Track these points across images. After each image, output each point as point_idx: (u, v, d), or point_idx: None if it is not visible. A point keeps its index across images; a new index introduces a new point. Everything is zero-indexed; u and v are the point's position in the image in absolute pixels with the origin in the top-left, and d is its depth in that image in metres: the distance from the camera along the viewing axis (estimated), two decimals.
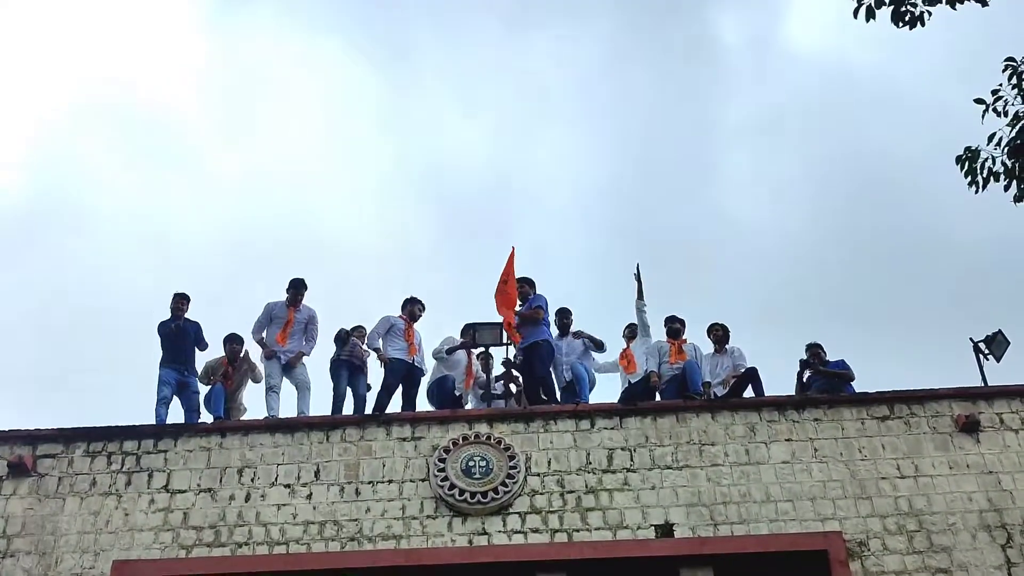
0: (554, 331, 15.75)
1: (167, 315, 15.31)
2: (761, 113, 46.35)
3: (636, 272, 16.09)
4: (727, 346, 15.63)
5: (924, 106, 44.18)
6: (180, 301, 15.34)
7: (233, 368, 15.14)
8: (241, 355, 15.22)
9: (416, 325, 15.53)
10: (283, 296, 15.46)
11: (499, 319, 15.07)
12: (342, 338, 15.41)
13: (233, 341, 15.28)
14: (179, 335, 15.00)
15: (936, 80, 44.59)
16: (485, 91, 46.82)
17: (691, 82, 47.87)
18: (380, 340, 15.17)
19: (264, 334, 15.13)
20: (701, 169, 46.50)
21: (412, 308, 15.65)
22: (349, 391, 15.04)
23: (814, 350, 14.88)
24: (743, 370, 14.93)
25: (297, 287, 15.52)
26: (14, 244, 40.35)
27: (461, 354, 15.64)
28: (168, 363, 14.81)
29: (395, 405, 14.52)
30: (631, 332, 16.16)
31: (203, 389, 14.97)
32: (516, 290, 15.45)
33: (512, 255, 15.71)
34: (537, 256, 41.13)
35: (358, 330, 15.72)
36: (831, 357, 14.79)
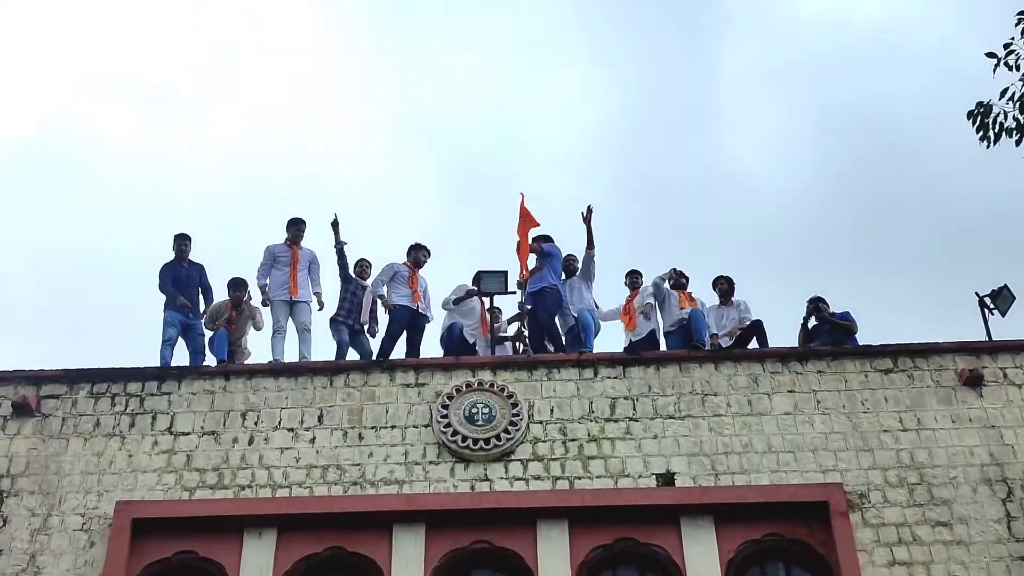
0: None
1: (170, 257, 15.30)
2: (766, 62, 45.99)
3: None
4: (732, 299, 15.60)
5: (930, 59, 43.89)
6: (183, 243, 15.30)
7: (237, 313, 15.13)
8: (244, 300, 15.19)
9: (421, 271, 15.45)
10: (282, 238, 15.42)
11: (504, 268, 15.13)
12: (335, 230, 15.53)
13: (237, 287, 15.24)
14: (184, 279, 14.98)
15: (943, 32, 44.23)
16: (487, 29, 46.36)
17: (696, 26, 47.50)
18: (384, 287, 15.14)
19: (268, 280, 15.09)
20: (704, 116, 46.22)
21: (417, 255, 15.57)
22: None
23: (816, 303, 14.85)
24: (748, 322, 14.92)
25: (297, 225, 15.50)
26: (17, 184, 40.31)
27: (475, 302, 15.57)
28: (172, 305, 14.80)
29: (399, 352, 14.52)
30: (632, 283, 15.93)
31: (207, 333, 14.97)
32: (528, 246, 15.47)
33: (523, 206, 15.67)
34: (537, 199, 41.00)
35: (362, 263, 15.69)
36: (835, 309, 14.78)
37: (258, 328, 15.28)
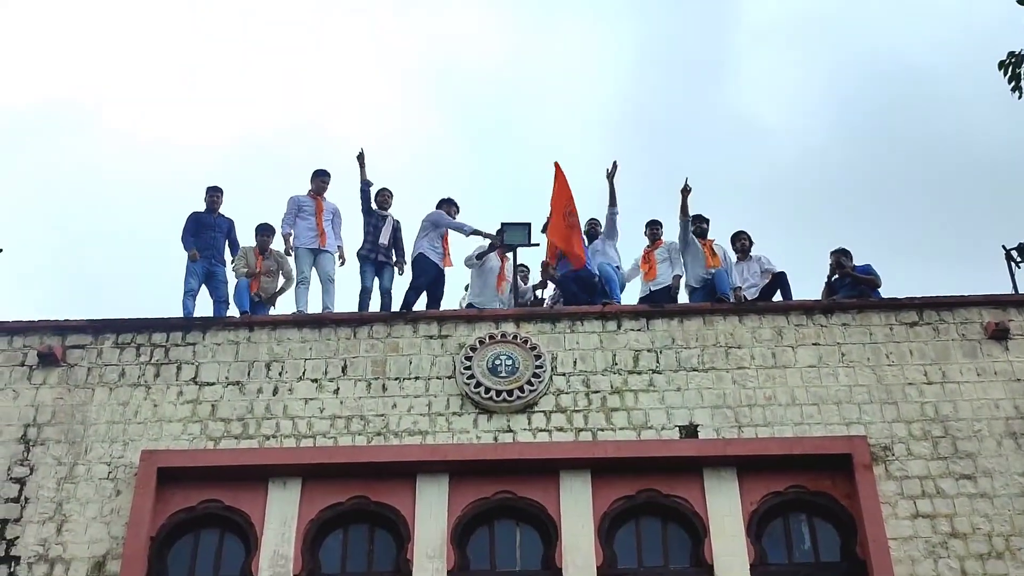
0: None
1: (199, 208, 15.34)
2: (783, 13, 45.48)
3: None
4: (751, 254, 15.51)
5: (948, 6, 43.19)
6: (215, 194, 15.32)
7: (262, 258, 15.16)
8: (271, 246, 15.22)
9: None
10: (304, 190, 15.45)
11: (526, 220, 15.10)
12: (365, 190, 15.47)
13: (264, 232, 15.32)
14: (209, 225, 15.01)
15: None
16: None
17: None
18: (424, 241, 15.19)
19: (293, 229, 15.10)
20: (720, 68, 45.80)
21: (448, 209, 15.57)
22: (376, 285, 15.05)
23: (838, 256, 14.77)
24: (772, 274, 14.87)
25: (321, 176, 15.53)
26: (32, 142, 40.38)
27: (494, 260, 15.54)
28: (197, 250, 14.82)
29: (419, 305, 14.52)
30: (653, 235, 15.84)
31: (231, 279, 15.02)
32: (579, 228, 15.34)
33: (560, 174, 15.54)
34: (552, 154, 40.91)
35: (384, 192, 15.67)
36: (857, 261, 14.69)
37: (288, 277, 15.29)
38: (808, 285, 15.16)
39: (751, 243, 15.58)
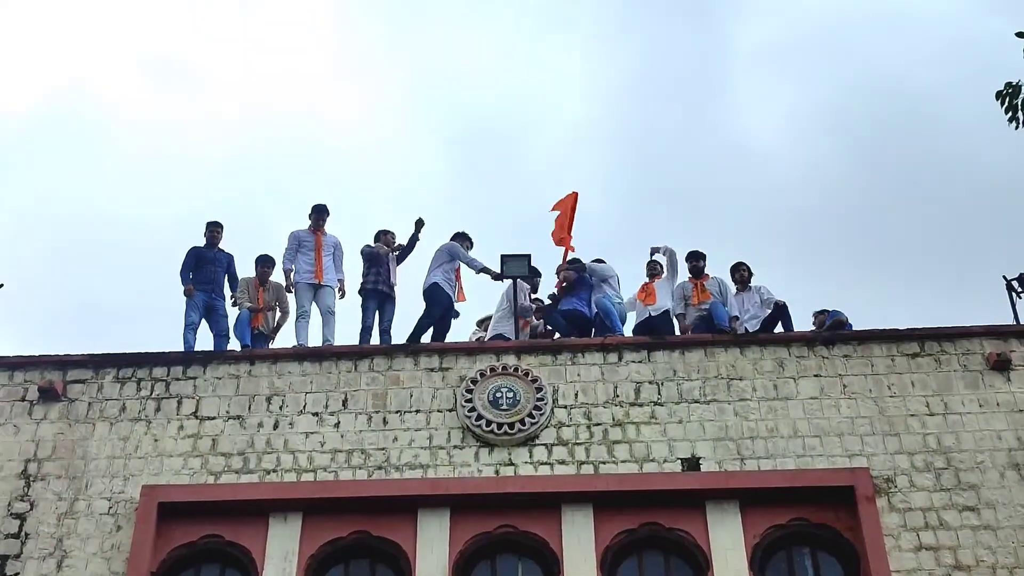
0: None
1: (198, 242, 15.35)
2: (777, 37, 45.39)
3: (659, 254, 15.83)
4: (751, 284, 15.50)
5: (943, 30, 43.13)
6: (215, 229, 15.33)
7: (263, 289, 15.16)
8: (271, 278, 15.22)
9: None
10: (304, 224, 15.49)
11: (527, 252, 15.27)
12: (372, 254, 15.39)
13: (264, 264, 15.34)
14: (209, 259, 15.02)
15: (955, 6, 43.65)
16: (497, 1, 46.06)
17: (702, 6, 47.06)
18: (439, 272, 15.23)
19: (294, 264, 15.12)
20: (715, 91, 45.70)
21: (460, 243, 15.64)
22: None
23: (819, 317, 14.90)
24: (772, 304, 14.87)
25: (319, 212, 15.53)
26: (29, 161, 40.42)
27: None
28: (196, 286, 14.82)
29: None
30: (652, 271, 15.91)
31: (231, 313, 15.02)
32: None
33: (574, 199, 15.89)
34: (547, 179, 40.89)
35: (387, 235, 15.68)
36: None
37: (284, 311, 15.31)
38: (807, 312, 15.14)
39: (750, 274, 15.57)
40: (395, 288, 15.39)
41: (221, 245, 15.43)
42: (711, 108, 45.39)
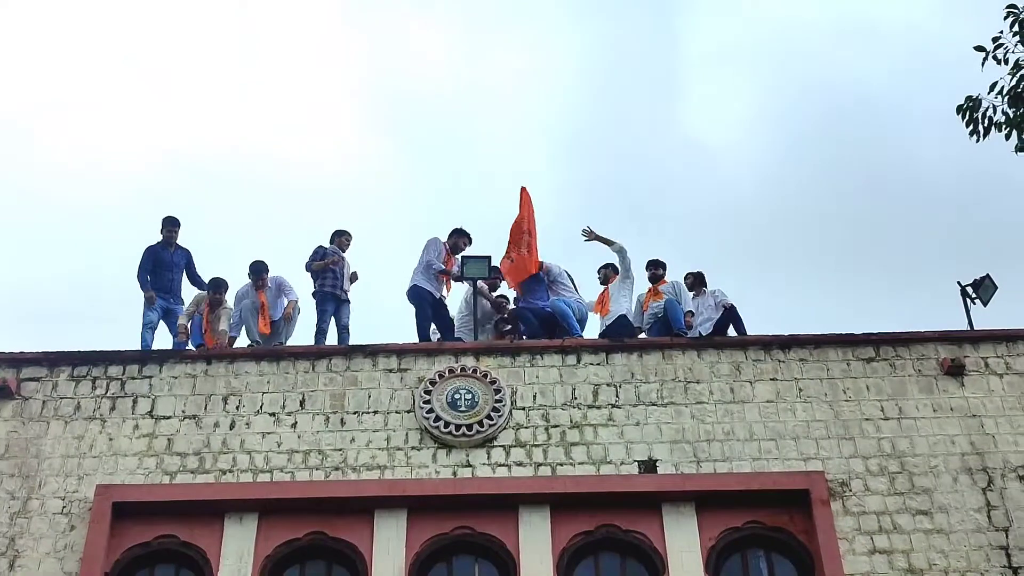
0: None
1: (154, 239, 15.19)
2: (731, 39, 45.52)
3: (587, 233, 15.72)
4: (704, 288, 15.60)
5: (901, 36, 43.34)
6: (172, 228, 15.18)
7: (211, 311, 14.85)
8: (222, 305, 14.86)
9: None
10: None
11: (487, 254, 15.19)
12: (318, 265, 15.33)
13: (216, 290, 14.92)
14: (167, 263, 14.86)
15: (912, 13, 43.92)
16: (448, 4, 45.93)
17: (658, 4, 47.07)
18: (420, 273, 15.24)
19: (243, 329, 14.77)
20: (668, 93, 45.79)
21: (457, 240, 15.64)
22: (333, 323, 15.02)
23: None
24: (725, 307, 14.98)
25: (257, 272, 15.01)
26: None
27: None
28: (154, 289, 14.71)
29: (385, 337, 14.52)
30: (605, 276, 15.93)
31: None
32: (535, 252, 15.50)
33: (526, 198, 15.75)
34: (497, 175, 40.89)
35: (342, 236, 15.67)
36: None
37: (224, 336, 14.74)
38: (761, 314, 15.24)
39: (700, 279, 15.70)
40: (348, 292, 15.41)
41: (179, 241, 15.26)
42: (665, 104, 45.46)
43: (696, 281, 15.75)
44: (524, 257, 15.36)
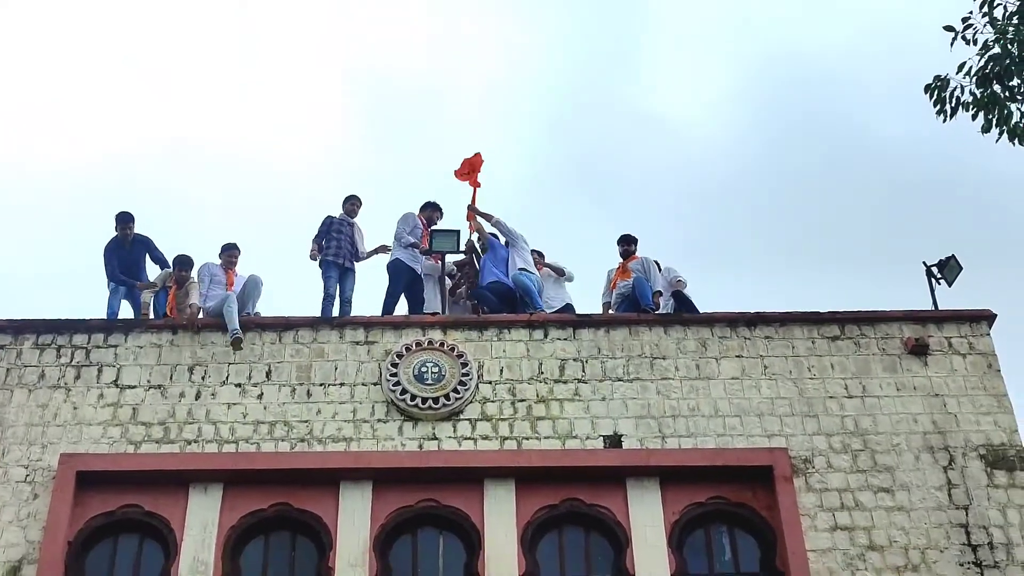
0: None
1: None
2: (693, 15, 45.14)
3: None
4: (661, 267, 15.39)
5: (865, 14, 43.20)
6: (126, 225, 14.94)
7: (178, 287, 14.50)
8: (188, 283, 14.43)
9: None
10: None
11: (456, 228, 15.25)
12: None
13: (182, 267, 14.63)
14: (131, 263, 14.67)
15: None
16: None
17: None
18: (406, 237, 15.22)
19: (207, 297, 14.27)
20: (631, 64, 45.41)
21: (431, 213, 15.67)
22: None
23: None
24: (680, 283, 14.94)
25: (229, 250, 14.78)
26: None
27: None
28: (121, 284, 14.55)
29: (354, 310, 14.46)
30: (537, 259, 15.81)
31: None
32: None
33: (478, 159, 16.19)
34: (462, 148, 40.62)
35: (352, 200, 15.58)
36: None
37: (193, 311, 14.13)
38: (724, 295, 15.20)
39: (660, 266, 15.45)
40: (355, 262, 15.19)
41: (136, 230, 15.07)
42: (627, 80, 45.13)
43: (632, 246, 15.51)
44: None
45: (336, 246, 14.98)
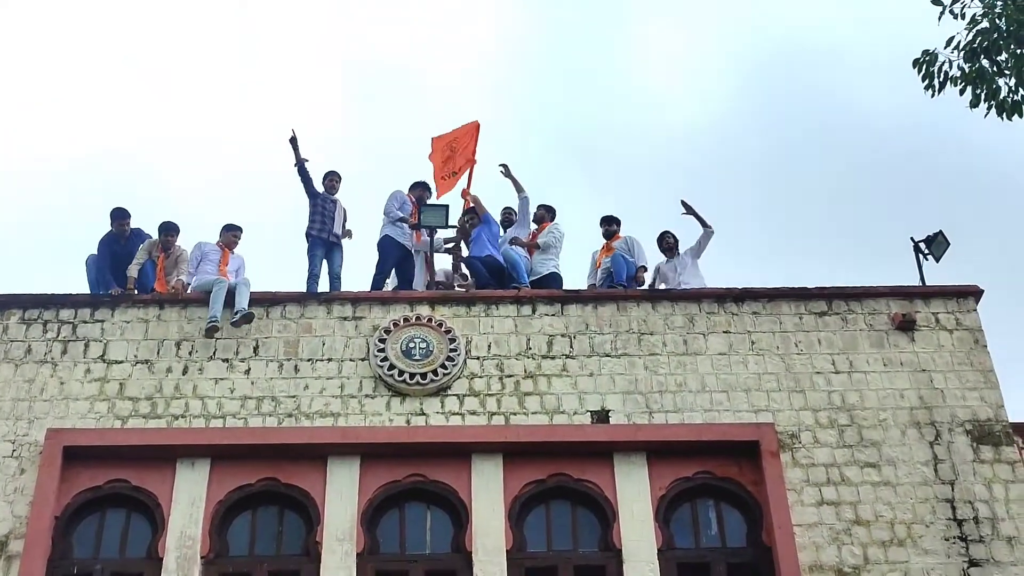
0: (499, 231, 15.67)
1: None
2: None
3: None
4: (679, 251, 15.35)
5: None
6: (122, 221, 14.79)
7: (165, 255, 14.49)
8: (176, 253, 14.45)
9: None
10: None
11: (444, 202, 15.24)
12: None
13: (168, 231, 14.63)
14: (124, 257, 14.51)
15: None
16: None
17: None
18: (389, 224, 15.25)
19: (195, 274, 14.18)
20: (613, 42, 45.31)
21: (421, 192, 15.73)
22: (325, 268, 14.82)
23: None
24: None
25: (232, 230, 14.77)
26: None
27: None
28: (114, 280, 14.45)
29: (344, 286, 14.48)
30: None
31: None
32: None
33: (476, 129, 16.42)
34: (443, 120, 40.49)
35: (332, 176, 15.46)
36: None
37: (183, 279, 14.23)
38: (710, 264, 15.10)
39: (676, 240, 15.40)
40: (341, 237, 15.13)
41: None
42: (610, 52, 44.91)
43: (673, 245, 15.36)
44: (448, 181, 16.22)
45: (321, 221, 14.93)
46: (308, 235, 14.87)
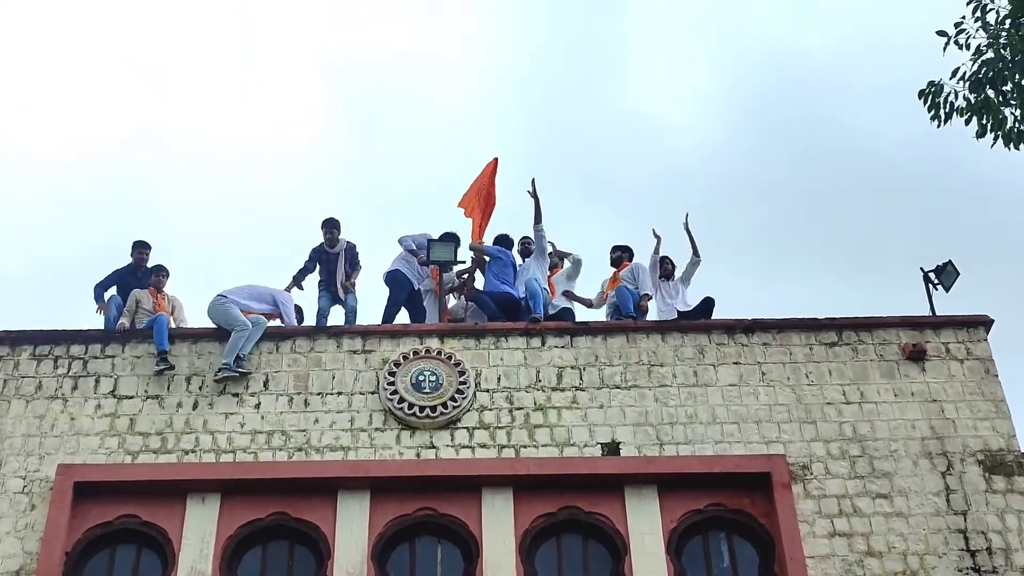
0: (517, 259, 15.62)
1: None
2: (676, 10, 44.84)
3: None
4: (675, 274, 15.39)
5: (853, 14, 42.84)
6: (143, 251, 14.70)
7: (161, 296, 14.21)
8: (171, 302, 14.29)
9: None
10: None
11: (453, 237, 15.22)
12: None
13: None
14: (138, 284, 14.45)
15: None
16: None
17: None
18: (401, 259, 15.31)
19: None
20: (614, 67, 45.12)
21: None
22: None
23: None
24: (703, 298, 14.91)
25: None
26: None
27: (429, 282, 15.63)
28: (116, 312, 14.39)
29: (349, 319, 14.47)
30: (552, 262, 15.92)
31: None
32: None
33: (495, 165, 16.29)
34: (442, 146, 40.48)
35: (327, 228, 15.11)
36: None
37: (179, 321, 14.31)
38: (720, 295, 15.07)
39: (673, 266, 15.46)
40: (346, 288, 14.91)
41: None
42: (611, 77, 44.69)
43: (671, 269, 15.43)
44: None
45: (326, 272, 14.99)
46: (319, 286, 14.99)
